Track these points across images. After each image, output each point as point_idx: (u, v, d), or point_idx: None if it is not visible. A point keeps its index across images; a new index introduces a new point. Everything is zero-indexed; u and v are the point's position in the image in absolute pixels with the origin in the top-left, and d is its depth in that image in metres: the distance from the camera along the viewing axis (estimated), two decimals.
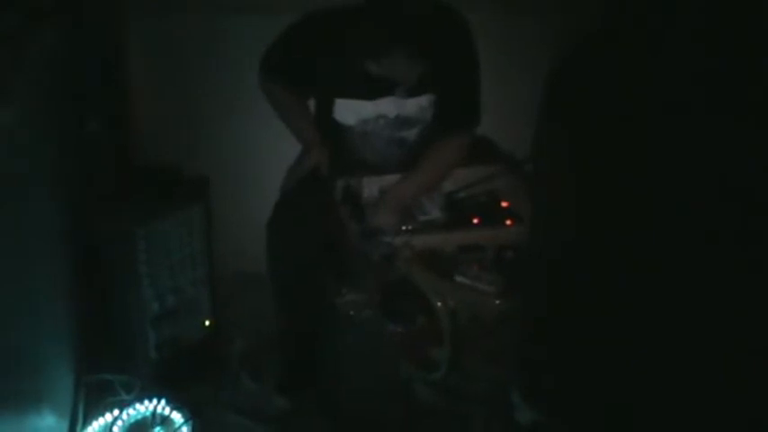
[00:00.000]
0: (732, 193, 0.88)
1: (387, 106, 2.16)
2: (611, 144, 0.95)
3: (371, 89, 2.13)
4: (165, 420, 2.02)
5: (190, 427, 2.00)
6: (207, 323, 2.31)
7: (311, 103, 2.31)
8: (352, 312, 2.05)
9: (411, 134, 2.21)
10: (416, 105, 2.17)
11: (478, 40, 2.16)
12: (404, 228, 2.06)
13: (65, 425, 1.93)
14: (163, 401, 2.04)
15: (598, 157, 0.97)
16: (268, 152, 2.49)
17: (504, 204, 2.17)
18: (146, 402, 2.04)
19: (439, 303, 1.89)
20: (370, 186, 2.15)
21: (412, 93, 2.15)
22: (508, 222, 2.09)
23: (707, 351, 0.94)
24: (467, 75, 2.16)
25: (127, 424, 2.01)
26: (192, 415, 2.02)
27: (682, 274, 0.93)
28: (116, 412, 2.00)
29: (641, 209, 0.94)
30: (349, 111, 2.17)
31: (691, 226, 0.91)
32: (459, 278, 1.94)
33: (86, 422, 1.99)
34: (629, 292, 0.97)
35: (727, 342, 0.93)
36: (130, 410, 2.02)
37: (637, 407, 1.03)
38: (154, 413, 2.02)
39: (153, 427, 2.00)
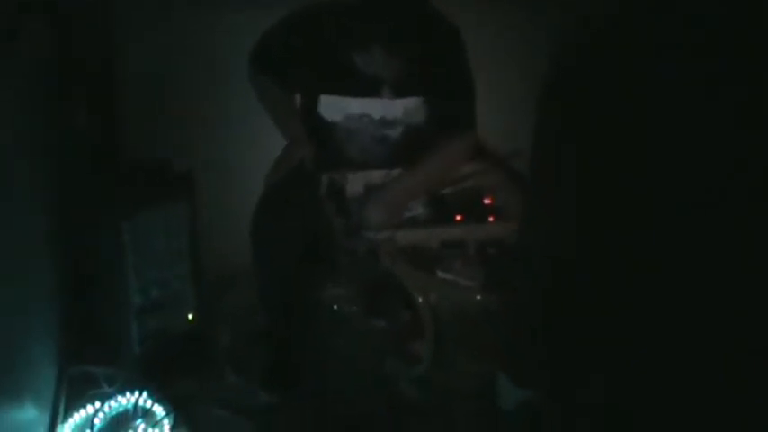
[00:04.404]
0: (732, 193, 0.88)
1: (372, 107, 2.16)
2: (612, 144, 0.96)
3: (358, 86, 2.13)
4: (147, 413, 2.02)
5: (171, 420, 1.99)
6: (190, 317, 2.31)
7: (297, 98, 2.32)
8: (336, 307, 2.05)
9: (395, 132, 2.21)
10: (402, 107, 2.16)
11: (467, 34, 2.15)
12: None
13: (46, 417, 1.93)
14: (145, 394, 2.04)
15: (599, 156, 0.97)
16: (255, 147, 2.49)
17: (487, 201, 2.18)
18: (127, 395, 2.03)
19: (420, 298, 1.90)
20: (355, 181, 2.15)
21: (398, 94, 2.15)
22: (491, 219, 2.10)
23: (706, 351, 0.94)
24: (456, 76, 2.15)
25: (108, 416, 2.00)
26: (173, 408, 2.02)
27: (681, 274, 0.93)
28: (97, 404, 2.00)
29: (641, 209, 0.94)
30: (334, 107, 2.18)
31: (691, 226, 0.91)
32: (441, 273, 1.95)
33: (68, 414, 1.99)
34: (628, 292, 0.98)
35: (728, 342, 0.93)
36: (112, 402, 2.01)
37: (636, 402, 1.03)
38: (135, 406, 2.02)
39: (134, 420, 2.00)
